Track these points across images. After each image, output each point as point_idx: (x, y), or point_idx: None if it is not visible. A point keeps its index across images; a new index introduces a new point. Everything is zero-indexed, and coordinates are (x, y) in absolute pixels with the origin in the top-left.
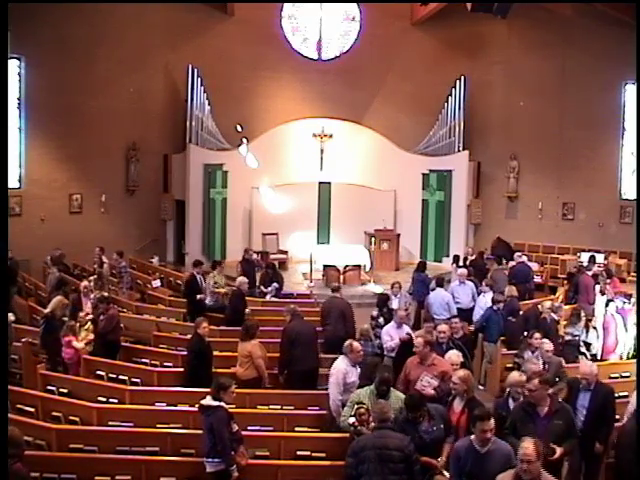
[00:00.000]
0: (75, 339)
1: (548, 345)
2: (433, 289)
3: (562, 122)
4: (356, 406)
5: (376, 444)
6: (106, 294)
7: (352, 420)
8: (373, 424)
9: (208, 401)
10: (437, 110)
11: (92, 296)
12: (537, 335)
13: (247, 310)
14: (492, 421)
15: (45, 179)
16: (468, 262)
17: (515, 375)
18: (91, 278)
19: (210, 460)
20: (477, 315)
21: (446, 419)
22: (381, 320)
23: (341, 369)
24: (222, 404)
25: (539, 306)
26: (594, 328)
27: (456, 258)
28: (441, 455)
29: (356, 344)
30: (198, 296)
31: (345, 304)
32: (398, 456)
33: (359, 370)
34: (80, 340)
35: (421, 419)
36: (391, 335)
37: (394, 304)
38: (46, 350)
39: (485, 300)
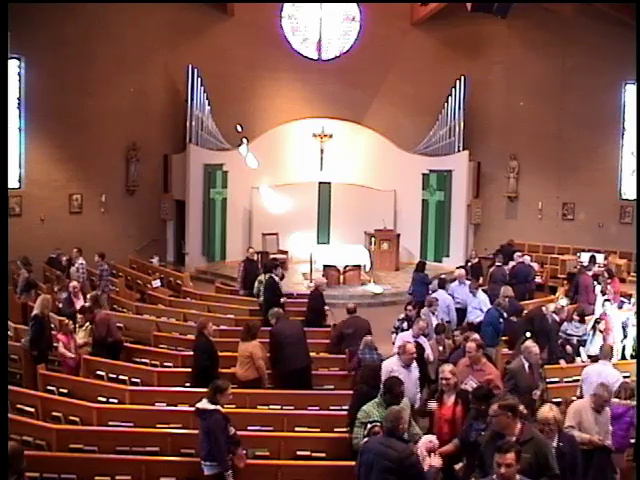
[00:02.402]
0: (65, 338)
1: (535, 348)
2: (434, 290)
3: (562, 122)
4: (369, 425)
5: (376, 449)
6: (88, 304)
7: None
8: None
9: (204, 404)
10: (437, 110)
11: (88, 296)
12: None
13: (326, 308)
14: (512, 454)
15: (45, 179)
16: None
17: (545, 410)
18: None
19: (208, 464)
20: (470, 314)
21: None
22: (405, 326)
23: (388, 368)
24: (218, 407)
25: (543, 308)
26: (600, 332)
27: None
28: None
29: (409, 345)
30: (282, 299)
31: (367, 323)
32: (389, 467)
33: (414, 374)
34: (79, 342)
35: (484, 415)
36: None
37: (433, 321)
38: (37, 349)
39: (477, 300)
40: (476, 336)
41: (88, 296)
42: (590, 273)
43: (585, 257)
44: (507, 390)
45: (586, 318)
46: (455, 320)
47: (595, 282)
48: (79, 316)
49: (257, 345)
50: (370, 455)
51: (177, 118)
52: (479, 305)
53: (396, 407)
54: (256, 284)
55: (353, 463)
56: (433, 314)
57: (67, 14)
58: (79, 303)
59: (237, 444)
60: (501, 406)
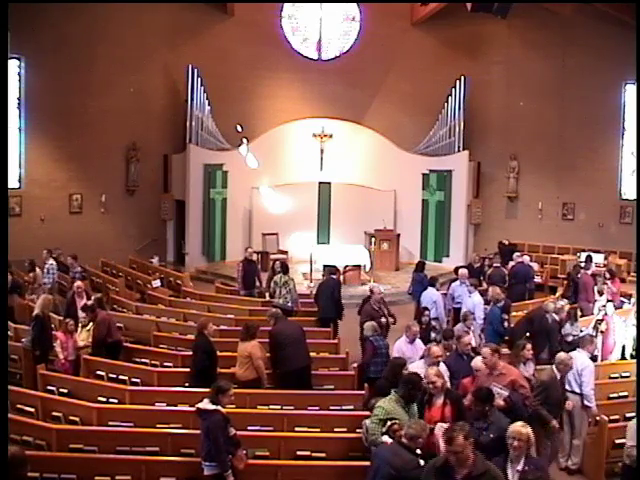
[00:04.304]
0: (64, 337)
1: (571, 361)
2: (425, 288)
3: (562, 122)
4: (389, 422)
5: (383, 455)
6: (90, 302)
7: (387, 440)
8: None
9: (205, 404)
10: (437, 110)
11: (92, 298)
12: (529, 347)
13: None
14: None
15: (45, 179)
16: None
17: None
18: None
19: (208, 464)
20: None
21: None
22: (432, 336)
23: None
24: (219, 408)
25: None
26: (601, 332)
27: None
28: None
29: (435, 349)
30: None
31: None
32: (392, 475)
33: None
34: (80, 343)
35: (486, 415)
36: (403, 352)
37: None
38: (39, 348)
39: (472, 301)
40: (468, 337)
41: (92, 297)
42: (589, 272)
43: (583, 257)
44: (539, 402)
45: (585, 318)
46: (443, 317)
47: (594, 282)
48: (81, 315)
49: (256, 345)
50: (377, 461)
51: (177, 118)
52: (473, 307)
53: (423, 422)
54: (272, 284)
55: (353, 463)
56: (469, 329)
57: (67, 14)
58: (82, 303)
59: (237, 445)
60: (467, 437)
